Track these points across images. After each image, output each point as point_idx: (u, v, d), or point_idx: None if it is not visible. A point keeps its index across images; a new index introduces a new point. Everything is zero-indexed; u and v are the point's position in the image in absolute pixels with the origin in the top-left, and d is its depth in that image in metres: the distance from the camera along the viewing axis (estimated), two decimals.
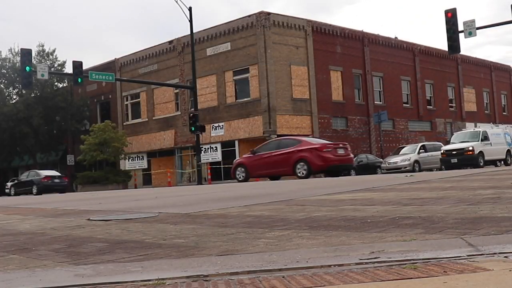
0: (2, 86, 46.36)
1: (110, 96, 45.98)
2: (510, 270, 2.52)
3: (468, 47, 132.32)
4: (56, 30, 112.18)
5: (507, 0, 22.79)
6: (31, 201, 14.17)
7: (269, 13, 35.50)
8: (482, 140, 27.40)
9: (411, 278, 2.51)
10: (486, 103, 54.89)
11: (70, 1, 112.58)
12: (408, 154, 30.56)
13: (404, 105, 44.41)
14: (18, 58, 39.92)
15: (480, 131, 28.51)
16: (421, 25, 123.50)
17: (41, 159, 48.61)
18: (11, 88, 47.07)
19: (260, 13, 35.32)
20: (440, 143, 32.91)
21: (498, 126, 35.37)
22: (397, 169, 28.45)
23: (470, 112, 51.45)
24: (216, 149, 36.90)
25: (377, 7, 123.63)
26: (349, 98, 39.66)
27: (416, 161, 29.84)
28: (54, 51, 46.77)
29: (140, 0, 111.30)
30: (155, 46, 42.32)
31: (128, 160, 42.84)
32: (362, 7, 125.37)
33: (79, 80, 28.21)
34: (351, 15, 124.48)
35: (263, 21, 34.93)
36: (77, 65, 28.18)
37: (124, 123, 44.58)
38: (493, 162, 27.95)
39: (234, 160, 25.01)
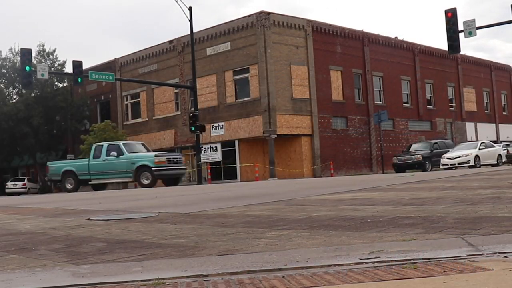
0: (2, 86, 46.29)
1: (110, 96, 45.96)
2: (510, 270, 2.52)
3: None
4: (56, 31, 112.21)
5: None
6: (31, 201, 14.17)
7: (269, 13, 35.49)
8: None
9: (411, 278, 2.51)
10: (486, 103, 54.85)
11: (71, 2, 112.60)
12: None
13: (404, 105, 44.38)
14: (18, 58, 39.90)
15: None
16: (421, 25, 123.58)
17: (41, 159, 48.56)
18: (11, 88, 47.02)
19: (260, 12, 35.31)
20: None
21: None
22: None
23: (470, 112, 51.43)
24: (216, 149, 36.90)
25: (376, 8, 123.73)
26: (349, 98, 39.64)
27: None
28: (54, 51, 46.77)
29: (139, 1, 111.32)
30: (155, 46, 42.27)
31: None
32: (349, 8, 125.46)
33: (79, 79, 28.15)
34: (326, 17, 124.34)
35: (263, 20, 34.91)
36: (77, 65, 28.13)
37: (124, 123, 44.55)
38: None
39: None
